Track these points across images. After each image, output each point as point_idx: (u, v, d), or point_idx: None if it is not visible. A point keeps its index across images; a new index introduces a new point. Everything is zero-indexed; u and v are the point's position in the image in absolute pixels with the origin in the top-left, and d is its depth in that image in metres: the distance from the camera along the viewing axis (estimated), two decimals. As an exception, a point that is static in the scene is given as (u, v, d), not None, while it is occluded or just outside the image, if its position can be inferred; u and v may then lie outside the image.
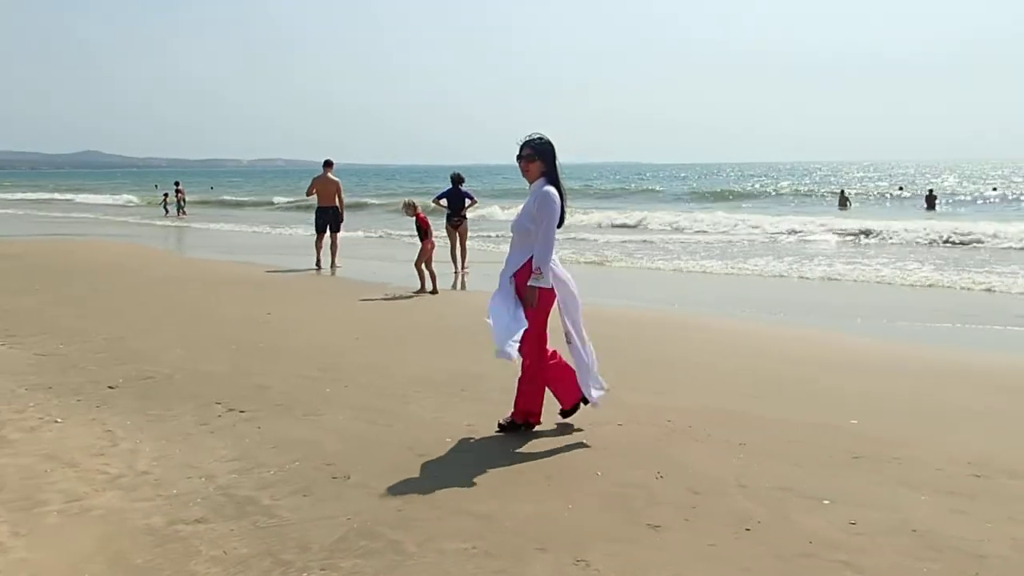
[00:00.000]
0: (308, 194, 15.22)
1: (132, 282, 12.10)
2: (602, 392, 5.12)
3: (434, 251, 11.57)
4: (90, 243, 20.30)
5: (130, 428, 4.95)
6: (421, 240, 11.59)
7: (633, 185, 61.23)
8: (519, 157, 4.88)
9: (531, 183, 4.90)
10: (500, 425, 5.01)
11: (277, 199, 47.23)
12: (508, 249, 5.00)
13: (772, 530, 3.58)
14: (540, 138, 4.89)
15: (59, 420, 5.10)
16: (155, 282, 12.08)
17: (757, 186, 58.93)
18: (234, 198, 50.91)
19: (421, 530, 3.56)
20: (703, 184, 64.80)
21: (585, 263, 15.57)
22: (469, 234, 15.03)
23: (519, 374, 4.97)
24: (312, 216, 15.25)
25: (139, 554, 3.34)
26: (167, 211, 34.70)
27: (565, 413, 5.15)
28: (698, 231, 23.55)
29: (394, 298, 10.80)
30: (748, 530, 3.58)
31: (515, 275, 4.80)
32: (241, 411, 5.32)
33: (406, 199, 12.11)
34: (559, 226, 4.82)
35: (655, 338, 8.13)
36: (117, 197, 49.95)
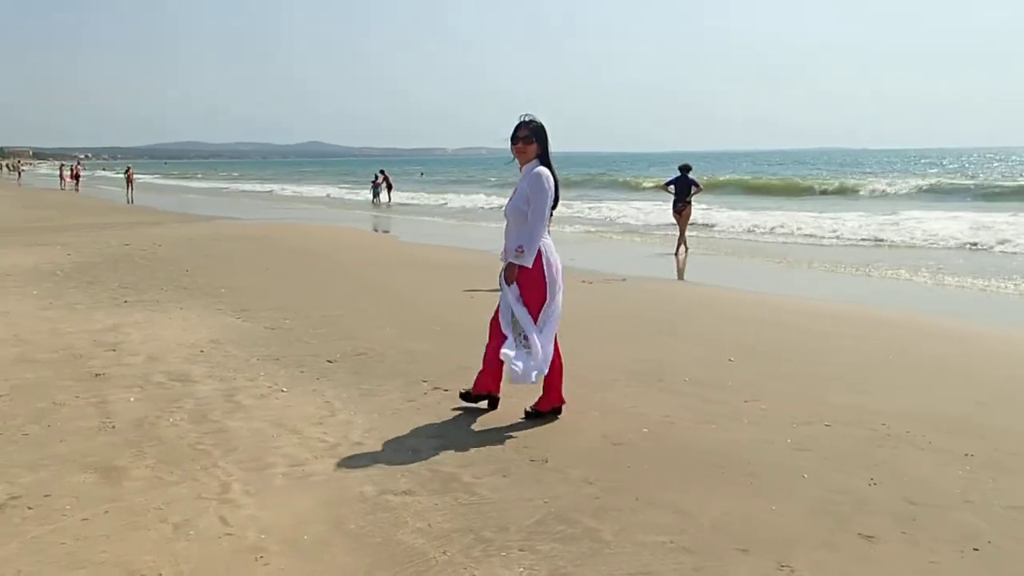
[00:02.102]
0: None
1: (348, 264, 12.95)
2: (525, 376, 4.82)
3: None
4: (314, 227, 21.90)
5: (346, 400, 5.30)
6: None
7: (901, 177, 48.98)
8: (515, 139, 4.85)
9: (523, 165, 4.90)
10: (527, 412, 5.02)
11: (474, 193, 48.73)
12: (505, 233, 4.95)
13: (1006, 554, 3.26)
14: (535, 120, 4.86)
15: (284, 389, 5.54)
16: (369, 264, 12.85)
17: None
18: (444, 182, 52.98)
19: (618, 520, 3.55)
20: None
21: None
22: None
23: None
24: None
25: (353, 520, 3.57)
26: (376, 196, 36.82)
27: (534, 412, 5.03)
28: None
29: (590, 283, 10.83)
30: (976, 550, 3.28)
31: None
32: (445, 390, 5.54)
33: None
34: (553, 208, 4.86)
35: (863, 336, 7.63)
36: (331, 187, 53.40)
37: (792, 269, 13.01)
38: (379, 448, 4.45)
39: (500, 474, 4.09)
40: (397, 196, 36.47)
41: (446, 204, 33.71)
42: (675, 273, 12.90)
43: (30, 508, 3.63)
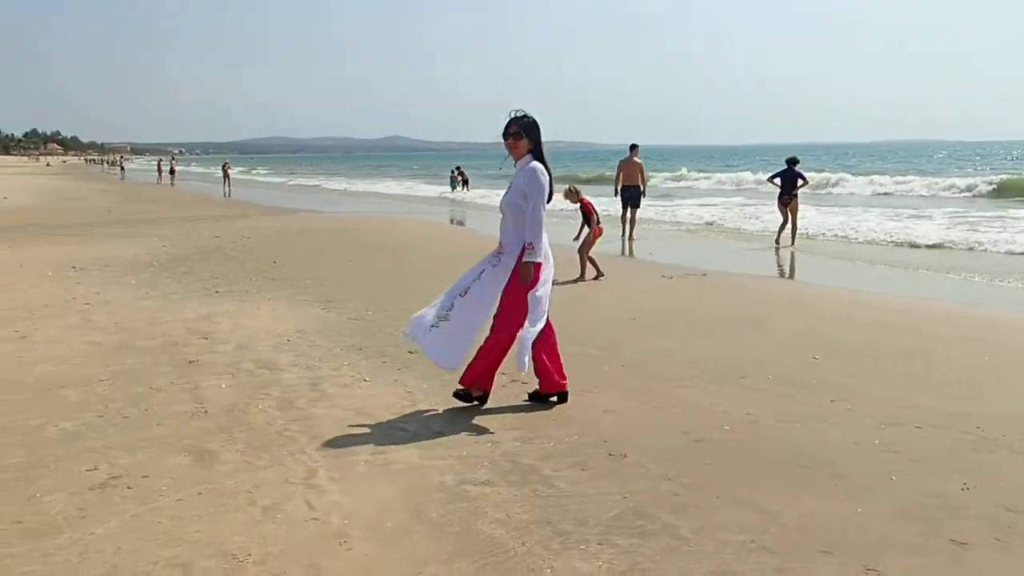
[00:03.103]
0: (617, 177, 16.75)
1: (427, 257, 13.12)
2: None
3: (596, 238, 10.80)
4: (394, 220, 22.26)
5: (427, 391, 5.38)
6: (587, 226, 10.67)
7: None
8: (507, 134, 4.89)
9: (516, 161, 4.95)
10: (532, 396, 5.12)
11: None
12: (501, 227, 4.97)
13: (1110, 565, 3.10)
14: (526, 116, 4.91)
15: (367, 379, 5.67)
16: (447, 258, 12.98)
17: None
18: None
19: (698, 517, 3.52)
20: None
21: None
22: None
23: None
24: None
25: (433, 509, 3.62)
26: (453, 190, 37.33)
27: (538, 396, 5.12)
28: None
29: (669, 277, 10.71)
30: (1078, 561, 3.13)
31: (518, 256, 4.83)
32: (524, 383, 5.57)
33: (569, 185, 10.84)
34: (547, 201, 4.88)
35: (963, 338, 7.34)
36: (411, 181, 54.11)
37: (894, 269, 12.56)
38: (459, 439, 4.51)
39: (579, 467, 4.09)
40: (473, 191, 36.83)
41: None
42: (760, 268, 12.64)
43: (129, 488, 3.81)
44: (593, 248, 10.73)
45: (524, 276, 4.82)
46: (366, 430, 4.66)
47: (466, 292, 4.91)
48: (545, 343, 5.04)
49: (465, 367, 5.02)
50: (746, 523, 3.46)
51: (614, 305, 8.83)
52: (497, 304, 4.94)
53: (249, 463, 4.14)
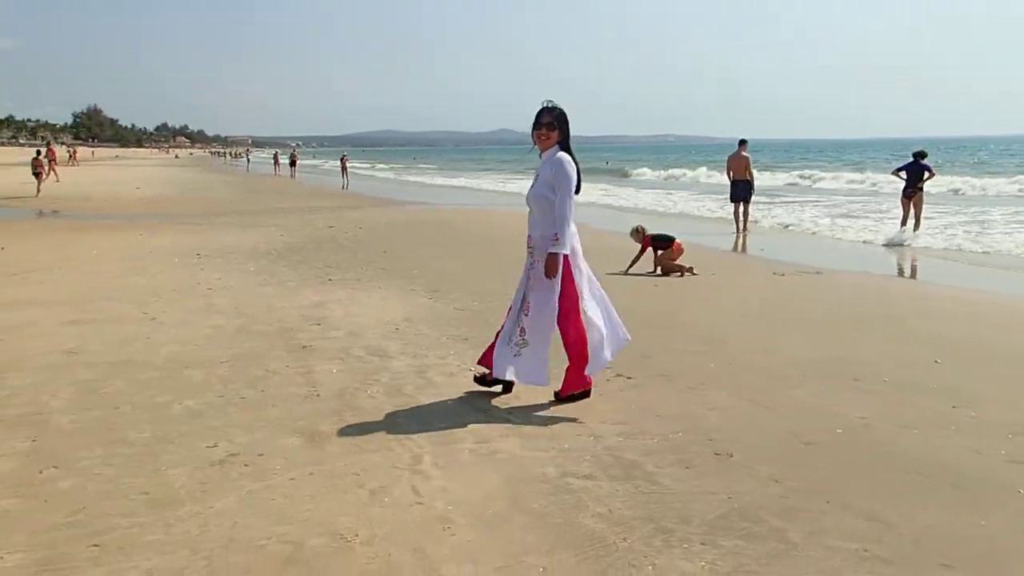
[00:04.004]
0: (727, 171, 17.10)
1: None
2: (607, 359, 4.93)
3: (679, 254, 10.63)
4: (499, 212, 22.42)
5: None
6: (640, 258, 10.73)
7: None
8: (539, 125, 4.82)
9: (543, 151, 4.87)
10: (557, 396, 5.02)
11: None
12: (529, 221, 4.93)
13: None
14: (557, 107, 4.84)
15: (472, 369, 5.73)
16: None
17: None
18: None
19: (808, 522, 3.41)
20: None
21: None
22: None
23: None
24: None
25: (535, 500, 3.64)
26: None
27: (561, 398, 5.01)
28: None
29: (782, 275, 10.41)
30: None
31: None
32: (628, 378, 5.53)
33: (637, 226, 11.09)
34: (576, 192, 4.80)
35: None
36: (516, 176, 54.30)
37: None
38: (562, 431, 4.52)
39: (683, 465, 4.03)
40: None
41: (626, 189, 33.42)
42: (878, 266, 12.12)
43: (246, 465, 3.99)
44: (681, 259, 10.60)
45: (551, 269, 4.77)
46: (471, 419, 4.72)
47: (528, 308, 4.93)
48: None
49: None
50: (858, 531, 3.34)
51: (722, 301, 8.65)
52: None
53: (358, 446, 4.27)
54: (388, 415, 4.77)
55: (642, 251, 10.72)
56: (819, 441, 4.37)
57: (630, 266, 10.67)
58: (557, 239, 4.75)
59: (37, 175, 28.20)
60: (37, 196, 26.29)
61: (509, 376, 4.94)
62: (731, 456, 4.14)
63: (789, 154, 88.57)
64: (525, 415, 4.79)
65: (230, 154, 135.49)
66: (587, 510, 3.53)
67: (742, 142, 16.94)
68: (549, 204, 4.80)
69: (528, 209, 5.01)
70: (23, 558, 3.08)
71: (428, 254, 12.17)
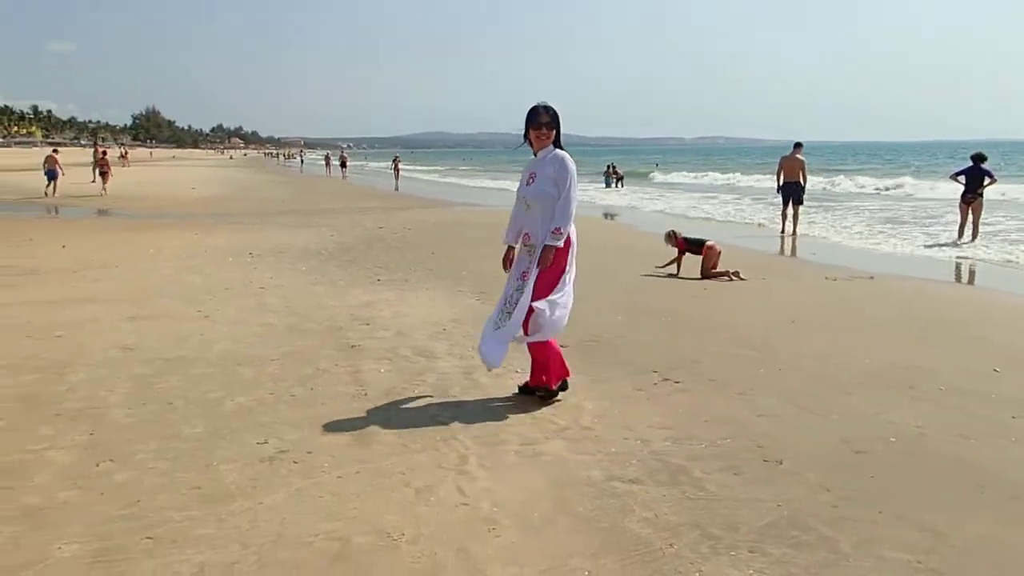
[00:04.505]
0: (778, 173, 17.01)
1: (580, 251, 13.10)
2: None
3: (718, 256, 10.55)
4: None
5: (576, 385, 5.38)
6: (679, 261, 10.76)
7: None
8: (540, 124, 4.88)
9: (538, 151, 4.95)
10: (520, 389, 5.15)
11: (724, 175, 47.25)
12: (528, 219, 4.96)
13: None
14: (552, 107, 4.92)
15: (518, 371, 5.73)
16: (599, 252, 12.95)
17: None
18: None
19: (858, 531, 3.34)
20: None
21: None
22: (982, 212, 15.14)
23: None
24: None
25: (580, 503, 3.63)
26: (608, 185, 37.28)
27: (540, 392, 5.08)
28: None
29: (834, 279, 10.22)
30: None
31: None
32: (676, 382, 5.48)
33: (670, 230, 11.22)
34: None
35: None
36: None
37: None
38: (608, 435, 4.50)
39: (731, 471, 3.98)
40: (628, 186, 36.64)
41: (679, 193, 33.17)
42: (935, 272, 11.84)
43: (295, 462, 4.05)
44: (720, 265, 10.51)
45: (546, 260, 4.83)
46: (516, 421, 4.72)
47: (516, 303, 4.93)
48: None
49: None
50: (911, 542, 3.26)
51: (773, 306, 8.52)
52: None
53: (404, 446, 4.30)
54: (434, 415, 4.80)
55: (681, 254, 10.73)
56: (871, 449, 4.28)
57: (666, 265, 10.79)
58: (559, 233, 4.81)
59: (103, 174, 29.06)
60: (103, 195, 27.08)
61: (488, 358, 5.02)
62: (780, 463, 4.08)
63: (840, 156, 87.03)
64: (572, 418, 4.78)
65: (283, 155, 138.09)
66: (633, 515, 3.51)
67: (797, 145, 16.93)
68: (552, 200, 4.86)
69: (523, 207, 5.04)
70: (79, 549, 3.17)
71: (476, 255, 12.21)
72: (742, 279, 10.15)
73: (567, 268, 4.95)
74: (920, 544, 3.24)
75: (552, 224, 4.83)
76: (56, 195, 26.63)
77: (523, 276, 4.94)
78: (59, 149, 33.11)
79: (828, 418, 4.80)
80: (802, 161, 16.63)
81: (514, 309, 4.90)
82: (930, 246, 14.78)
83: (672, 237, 10.92)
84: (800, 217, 17.03)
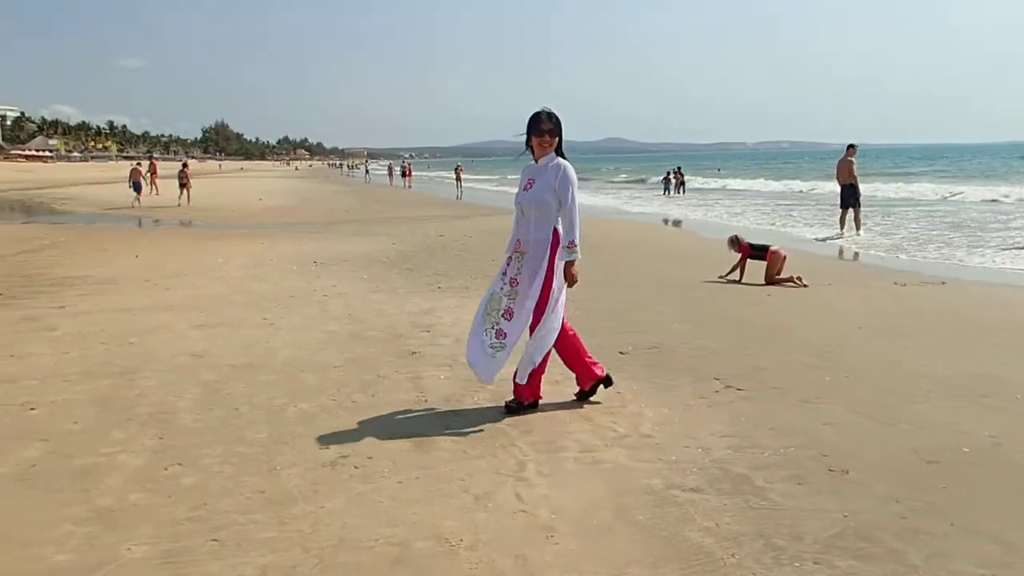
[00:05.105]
0: (837, 176, 17.19)
1: (639, 256, 13.04)
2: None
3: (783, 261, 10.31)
4: (607, 221, 22.32)
5: (636, 392, 5.35)
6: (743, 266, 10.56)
7: None
8: (542, 132, 4.81)
9: (539, 158, 4.88)
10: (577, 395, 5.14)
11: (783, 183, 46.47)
12: (521, 225, 4.90)
13: None
14: (554, 114, 4.85)
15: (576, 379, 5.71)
16: (660, 257, 12.86)
17: None
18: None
19: (929, 544, 3.23)
20: None
21: None
22: None
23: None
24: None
25: (640, 511, 3.59)
26: (666, 190, 36.92)
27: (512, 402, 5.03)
28: None
29: (903, 285, 9.94)
30: None
31: (547, 255, 4.78)
32: (739, 389, 5.39)
33: (733, 235, 11.06)
34: None
35: None
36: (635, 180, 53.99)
37: None
38: (668, 443, 4.44)
39: (795, 481, 3.89)
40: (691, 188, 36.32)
41: (736, 200, 32.68)
42: (1007, 278, 11.41)
43: (356, 468, 4.10)
44: (784, 271, 10.30)
45: (572, 278, 4.80)
46: (575, 428, 4.70)
47: (509, 313, 4.88)
48: (565, 344, 5.04)
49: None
50: (985, 555, 3.14)
51: (838, 312, 8.32)
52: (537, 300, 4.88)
53: (464, 452, 4.32)
54: (493, 422, 4.81)
55: (743, 259, 10.54)
56: (943, 460, 4.14)
57: (729, 272, 10.58)
58: (573, 246, 4.76)
59: (183, 185, 30.08)
60: (182, 206, 28.04)
61: (478, 371, 4.95)
62: (847, 473, 3.98)
63: (911, 158, 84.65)
64: (631, 424, 4.74)
65: (347, 166, 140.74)
66: (694, 523, 3.46)
67: (850, 147, 17.16)
68: (549, 209, 4.80)
69: (519, 214, 4.99)
70: (148, 550, 3.26)
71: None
72: (804, 285, 9.94)
73: (558, 286, 4.89)
74: (994, 558, 3.12)
75: (563, 239, 4.79)
76: (141, 206, 27.81)
77: (512, 282, 4.91)
78: (141, 162, 34.37)
79: (897, 427, 4.66)
80: (851, 163, 16.77)
81: (507, 324, 4.87)
82: (1006, 249, 14.27)
83: (735, 242, 10.77)
84: (862, 220, 16.97)
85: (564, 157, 4.93)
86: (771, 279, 10.19)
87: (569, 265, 4.79)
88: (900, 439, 4.46)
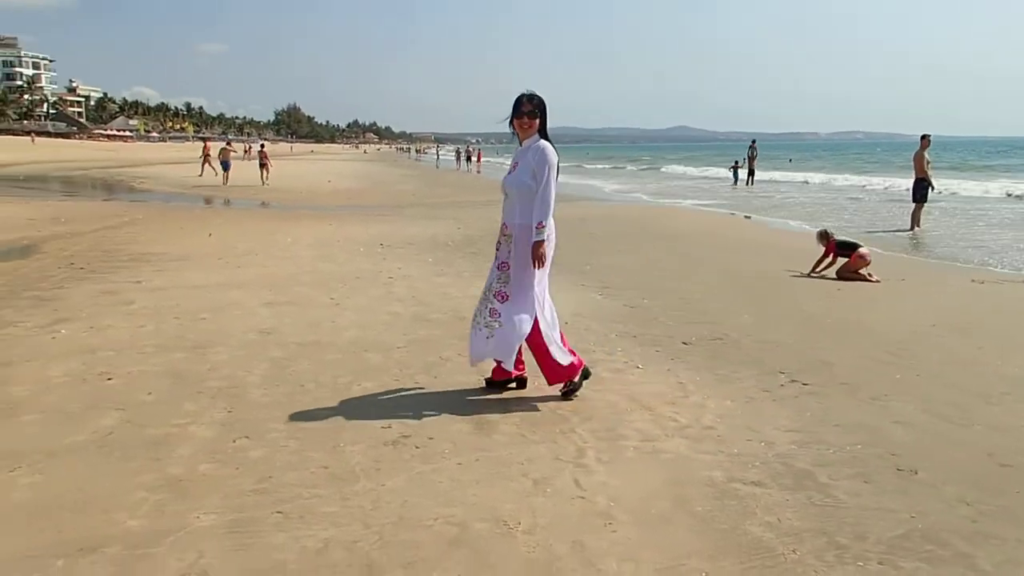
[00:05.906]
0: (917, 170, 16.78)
1: (707, 246, 12.85)
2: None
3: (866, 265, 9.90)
4: (675, 210, 22.08)
5: (699, 383, 5.29)
6: (824, 261, 10.19)
7: None
8: (522, 113, 4.76)
9: (523, 140, 4.83)
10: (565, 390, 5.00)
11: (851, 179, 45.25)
12: (506, 208, 4.89)
13: None
14: (537, 95, 4.80)
15: (640, 366, 5.69)
16: (728, 248, 12.65)
17: None
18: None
19: (1000, 550, 3.13)
20: None
21: None
22: None
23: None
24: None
25: (699, 503, 3.56)
26: (736, 180, 36.22)
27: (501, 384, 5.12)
28: None
29: (981, 282, 9.59)
30: None
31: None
32: (804, 383, 5.29)
33: (823, 228, 10.66)
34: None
35: None
36: (703, 169, 53.28)
37: None
38: (730, 435, 4.39)
39: (861, 479, 3.81)
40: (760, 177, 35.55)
41: (808, 193, 31.90)
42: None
43: (417, 448, 4.16)
44: (868, 268, 9.95)
45: (540, 259, 4.75)
46: (636, 416, 4.68)
47: (503, 296, 4.87)
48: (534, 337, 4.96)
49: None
50: (1061, 565, 3.03)
51: (911, 309, 8.08)
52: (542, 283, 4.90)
53: (523, 436, 4.34)
54: (553, 408, 4.82)
55: (826, 255, 10.22)
56: (1018, 464, 4.00)
57: (813, 269, 10.22)
58: (542, 227, 4.71)
59: (263, 166, 30.94)
60: (264, 185, 28.95)
61: (486, 357, 4.98)
62: (915, 473, 3.87)
63: (984, 152, 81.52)
64: (693, 415, 4.69)
65: (414, 150, 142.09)
66: (754, 517, 3.42)
67: (923, 137, 16.78)
68: (530, 191, 4.76)
69: (504, 197, 4.96)
70: (216, 519, 3.36)
71: (599, 249, 12.16)
72: (876, 281, 9.65)
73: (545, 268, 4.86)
74: (1071, 568, 3.01)
75: (533, 220, 4.74)
76: (228, 184, 29.08)
77: (501, 267, 4.91)
78: (232, 141, 35.52)
79: (970, 428, 4.51)
80: (923, 156, 16.44)
81: (499, 307, 4.87)
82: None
83: (824, 237, 10.39)
84: (921, 217, 16.54)
85: (548, 139, 4.89)
86: (843, 274, 9.92)
87: (536, 246, 4.76)
88: (973, 440, 4.32)
